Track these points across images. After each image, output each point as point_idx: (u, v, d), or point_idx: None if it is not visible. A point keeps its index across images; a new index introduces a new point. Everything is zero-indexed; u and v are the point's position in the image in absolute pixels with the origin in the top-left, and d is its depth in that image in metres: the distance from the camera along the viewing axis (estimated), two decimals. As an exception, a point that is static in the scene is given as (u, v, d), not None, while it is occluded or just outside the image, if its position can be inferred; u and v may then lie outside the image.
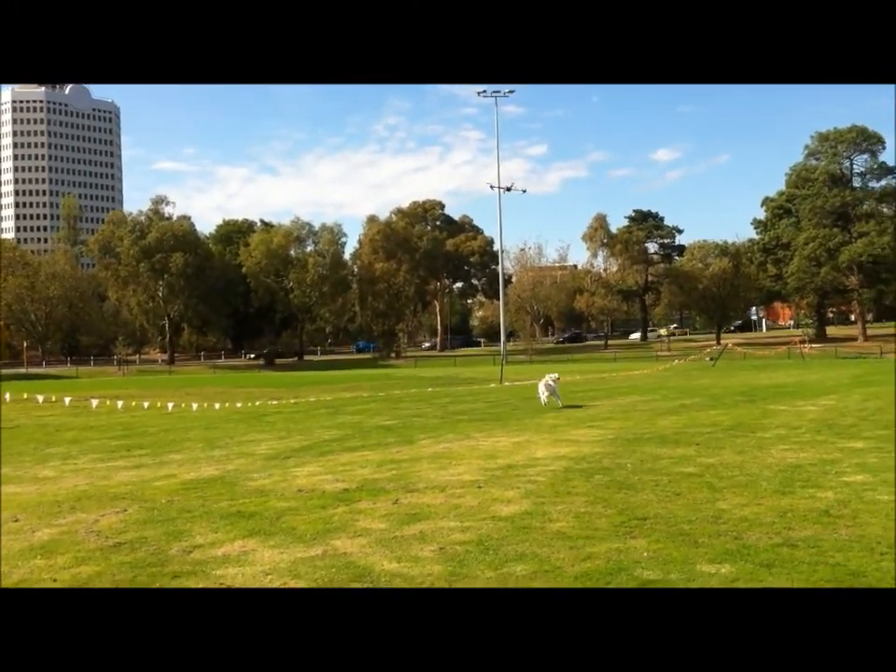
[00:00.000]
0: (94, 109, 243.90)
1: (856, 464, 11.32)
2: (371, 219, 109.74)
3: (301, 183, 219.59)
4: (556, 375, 23.07)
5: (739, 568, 6.50)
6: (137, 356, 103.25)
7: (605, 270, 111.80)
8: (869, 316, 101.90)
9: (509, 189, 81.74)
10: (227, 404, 26.58)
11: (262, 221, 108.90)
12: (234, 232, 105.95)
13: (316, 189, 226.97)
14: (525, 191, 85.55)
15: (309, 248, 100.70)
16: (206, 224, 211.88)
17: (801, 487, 9.75)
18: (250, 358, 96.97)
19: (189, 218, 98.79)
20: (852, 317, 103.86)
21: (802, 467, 11.21)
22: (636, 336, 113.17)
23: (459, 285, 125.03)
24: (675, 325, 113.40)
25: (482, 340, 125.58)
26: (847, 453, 12.39)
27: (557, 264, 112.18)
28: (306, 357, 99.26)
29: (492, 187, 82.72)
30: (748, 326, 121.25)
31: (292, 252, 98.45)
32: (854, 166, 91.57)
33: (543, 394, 22.40)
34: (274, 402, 28.16)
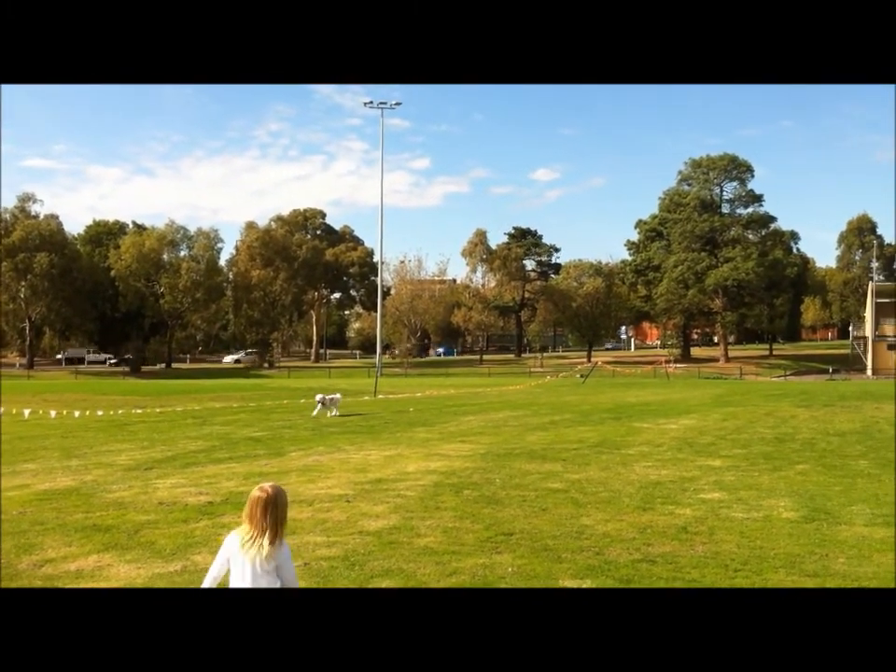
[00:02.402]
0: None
1: (713, 481, 11.76)
2: (250, 226, 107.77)
3: (177, 186, 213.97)
4: (338, 395, 26.37)
5: (600, 583, 6.64)
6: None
7: (483, 285, 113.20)
8: (731, 339, 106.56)
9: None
10: (87, 412, 25.50)
11: (135, 223, 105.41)
12: (105, 234, 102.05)
13: (194, 192, 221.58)
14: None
15: (183, 253, 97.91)
16: (76, 225, 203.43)
17: (661, 504, 10.05)
18: (111, 364, 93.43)
19: (57, 218, 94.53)
20: (715, 339, 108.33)
21: (662, 484, 11.57)
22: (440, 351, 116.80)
23: (337, 295, 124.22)
24: (541, 347, 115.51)
25: (358, 352, 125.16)
26: (706, 470, 12.86)
27: (437, 278, 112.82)
28: (175, 366, 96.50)
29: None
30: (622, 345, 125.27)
31: (165, 256, 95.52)
32: (724, 193, 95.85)
33: (317, 407, 24.92)
34: (138, 411, 27.19)
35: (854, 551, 7.72)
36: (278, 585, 4.39)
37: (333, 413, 24.44)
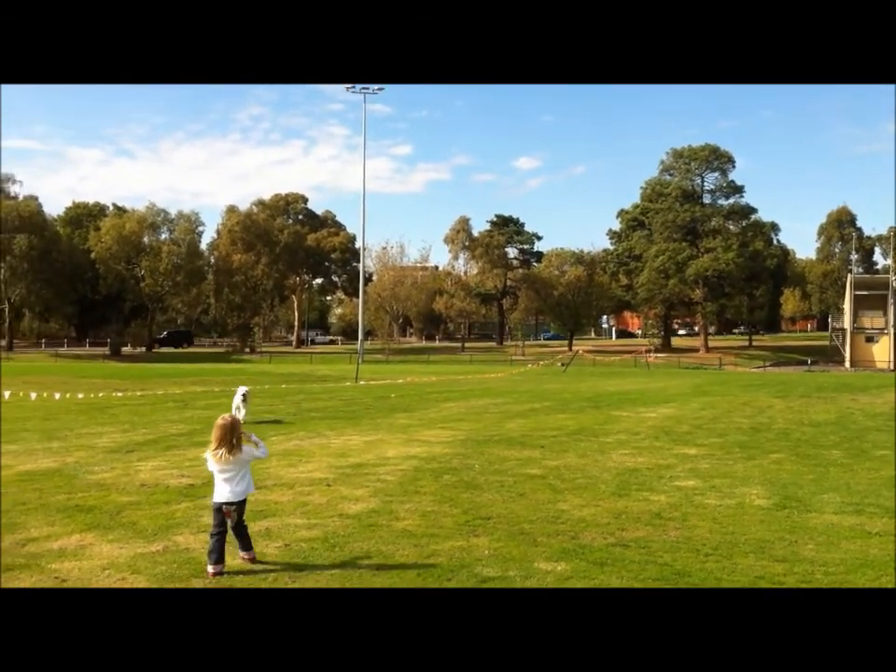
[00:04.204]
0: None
1: (689, 469, 11.96)
2: (231, 210, 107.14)
3: (158, 168, 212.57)
4: (246, 389, 18.20)
5: (574, 566, 6.79)
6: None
7: (465, 272, 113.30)
8: (711, 329, 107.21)
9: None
10: (68, 395, 25.45)
11: (115, 206, 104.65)
12: (85, 216, 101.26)
13: (174, 175, 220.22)
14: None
15: (164, 236, 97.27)
16: (56, 206, 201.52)
17: (636, 490, 10.24)
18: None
19: (37, 199, 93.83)
20: (696, 329, 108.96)
21: (639, 471, 11.76)
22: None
23: (319, 281, 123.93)
24: (523, 334, 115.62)
25: (339, 338, 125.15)
26: (682, 458, 13.07)
27: (419, 264, 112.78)
28: (155, 350, 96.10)
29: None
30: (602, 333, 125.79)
31: (145, 239, 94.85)
32: (705, 183, 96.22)
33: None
34: (119, 394, 27.17)
35: (823, 537, 7.92)
36: (244, 472, 6.80)
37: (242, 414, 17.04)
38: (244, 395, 17.55)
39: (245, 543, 6.88)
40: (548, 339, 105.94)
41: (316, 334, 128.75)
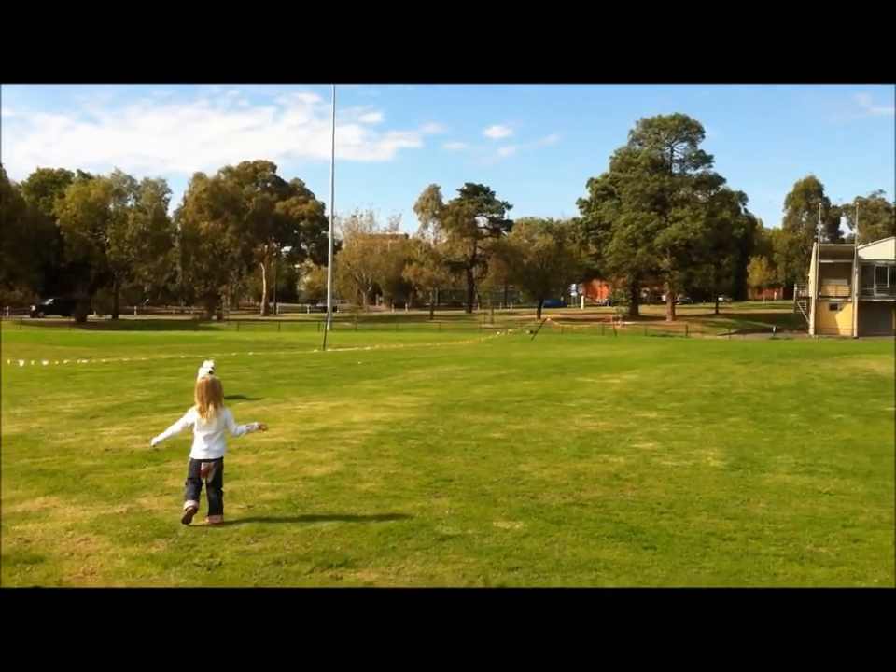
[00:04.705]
0: None
1: (648, 432, 12.19)
2: (199, 177, 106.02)
3: (124, 135, 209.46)
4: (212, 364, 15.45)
5: (532, 524, 6.96)
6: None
7: (435, 241, 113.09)
8: (679, 297, 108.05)
9: None
10: (32, 362, 25.26)
11: (80, 172, 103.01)
12: (49, 182, 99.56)
13: (141, 141, 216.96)
14: None
15: (130, 203, 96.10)
16: (19, 173, 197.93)
17: (596, 453, 10.43)
18: (32, 311, 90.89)
19: (0, 165, 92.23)
20: (663, 297, 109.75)
21: (600, 434, 11.96)
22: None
23: (288, 249, 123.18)
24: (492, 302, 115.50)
25: (308, 305, 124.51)
26: (642, 422, 13.30)
27: (388, 233, 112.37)
28: (121, 317, 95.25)
29: None
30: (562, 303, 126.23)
31: (111, 206, 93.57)
32: (674, 153, 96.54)
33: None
34: (84, 361, 26.99)
35: (774, 496, 8.14)
36: (222, 433, 7.17)
37: None
38: (210, 371, 15.43)
39: (215, 507, 6.99)
40: (548, 307, 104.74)
41: (314, 304, 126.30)
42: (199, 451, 7.05)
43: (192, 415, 7.15)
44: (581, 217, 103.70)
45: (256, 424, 7.82)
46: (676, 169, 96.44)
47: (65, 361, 26.69)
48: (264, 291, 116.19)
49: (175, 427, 7.37)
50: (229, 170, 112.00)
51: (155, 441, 7.61)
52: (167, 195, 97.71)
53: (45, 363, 25.28)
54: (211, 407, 7.04)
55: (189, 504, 6.87)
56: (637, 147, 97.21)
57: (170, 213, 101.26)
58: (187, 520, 6.81)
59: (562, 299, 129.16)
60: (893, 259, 76.28)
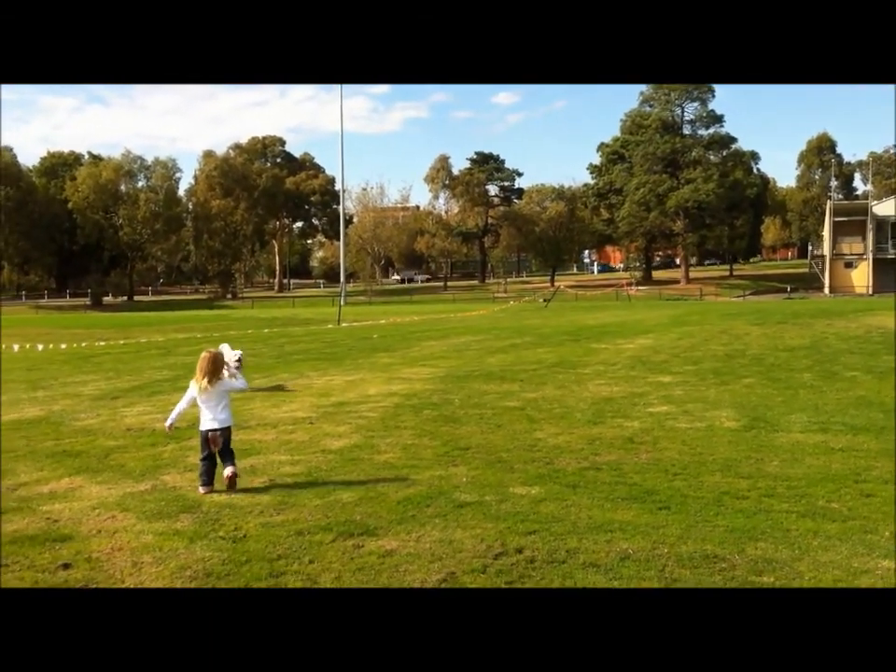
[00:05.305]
0: None
1: (662, 396, 12.27)
2: (208, 154, 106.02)
3: (132, 114, 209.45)
4: (239, 353, 13.79)
5: (548, 490, 7.08)
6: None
7: (446, 212, 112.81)
8: (693, 260, 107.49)
9: None
10: (51, 345, 25.52)
11: (91, 154, 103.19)
12: (60, 165, 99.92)
13: (149, 121, 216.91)
14: None
15: (141, 184, 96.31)
16: (30, 156, 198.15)
17: (611, 417, 10.53)
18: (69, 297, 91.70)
19: (11, 150, 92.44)
20: (677, 261, 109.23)
21: (614, 399, 12.06)
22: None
23: (299, 224, 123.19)
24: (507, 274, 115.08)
25: (322, 281, 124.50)
26: (656, 386, 13.38)
27: (399, 205, 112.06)
28: (136, 298, 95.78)
29: None
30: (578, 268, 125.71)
31: (122, 187, 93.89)
32: (685, 114, 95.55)
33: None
34: (102, 343, 27.26)
35: (787, 455, 8.23)
36: (225, 402, 7.51)
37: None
38: (238, 360, 13.28)
39: (228, 460, 7.41)
40: (601, 271, 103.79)
41: (414, 273, 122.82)
42: (205, 421, 7.46)
43: (192, 388, 7.56)
44: (592, 182, 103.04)
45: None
46: (687, 130, 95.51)
47: (83, 344, 26.96)
48: (277, 268, 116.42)
49: (182, 404, 7.73)
50: (238, 146, 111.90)
51: (168, 422, 7.84)
52: (178, 174, 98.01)
53: (63, 346, 25.55)
54: (204, 380, 7.37)
55: (202, 490, 7.26)
56: (648, 108, 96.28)
57: (181, 192, 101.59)
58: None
59: (611, 263, 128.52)
60: (908, 214, 75.57)
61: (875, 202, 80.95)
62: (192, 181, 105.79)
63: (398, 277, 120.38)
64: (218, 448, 7.41)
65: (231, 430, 7.60)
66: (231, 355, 13.71)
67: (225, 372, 7.80)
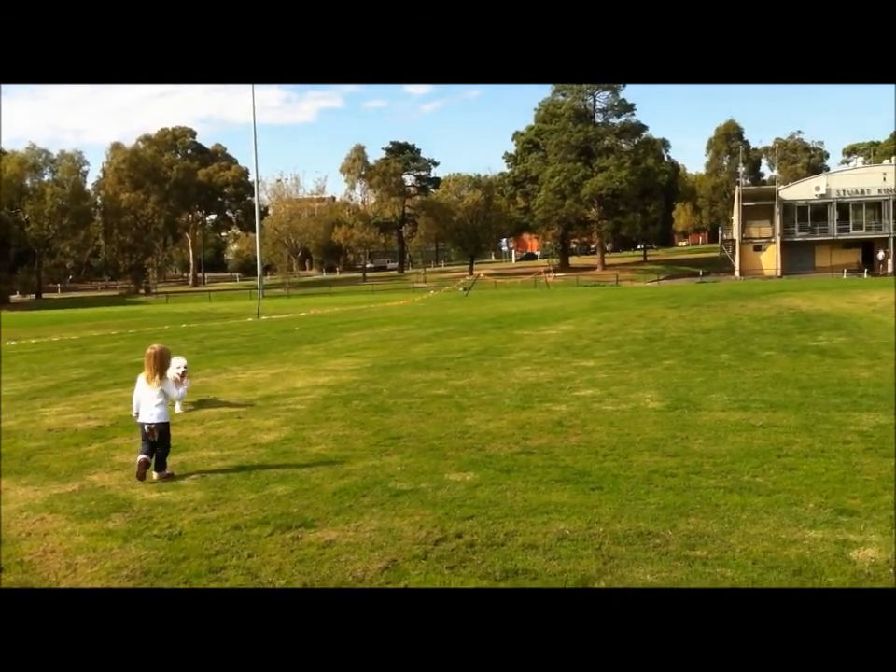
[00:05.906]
0: None
1: (587, 380, 12.49)
2: (116, 147, 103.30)
3: (36, 106, 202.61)
4: (183, 362, 11.28)
5: (483, 475, 7.15)
6: None
7: (363, 202, 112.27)
8: (608, 247, 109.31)
9: None
10: (-41, 346, 24.59)
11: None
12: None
13: (53, 112, 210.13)
14: None
15: (47, 178, 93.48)
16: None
17: (539, 402, 10.68)
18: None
19: None
20: (593, 247, 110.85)
21: (541, 384, 12.23)
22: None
23: (213, 217, 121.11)
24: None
25: (238, 274, 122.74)
26: (581, 370, 13.61)
27: (315, 196, 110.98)
28: (45, 296, 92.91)
29: None
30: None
31: (27, 181, 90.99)
32: (597, 103, 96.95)
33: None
34: (13, 343, 26.37)
35: (711, 433, 8.48)
36: (166, 401, 7.63)
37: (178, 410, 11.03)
38: (183, 370, 11.16)
39: (159, 464, 7.54)
40: (523, 259, 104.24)
41: (387, 262, 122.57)
42: (144, 414, 7.60)
43: (141, 381, 7.75)
44: (508, 171, 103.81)
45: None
46: (599, 119, 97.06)
47: (-7, 344, 26.03)
48: (192, 262, 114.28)
49: (135, 401, 7.91)
50: (147, 138, 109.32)
51: (178, 409, 8.93)
52: (85, 167, 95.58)
53: (-28, 347, 24.61)
54: (157, 376, 7.60)
55: (140, 458, 7.43)
56: (561, 97, 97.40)
57: (89, 185, 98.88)
58: (140, 476, 7.35)
59: (533, 251, 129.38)
60: (813, 197, 78.17)
61: (782, 186, 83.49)
62: (100, 174, 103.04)
63: (371, 265, 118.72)
64: (155, 440, 7.52)
65: (168, 427, 7.69)
66: (174, 363, 11.97)
67: (171, 373, 8.26)
